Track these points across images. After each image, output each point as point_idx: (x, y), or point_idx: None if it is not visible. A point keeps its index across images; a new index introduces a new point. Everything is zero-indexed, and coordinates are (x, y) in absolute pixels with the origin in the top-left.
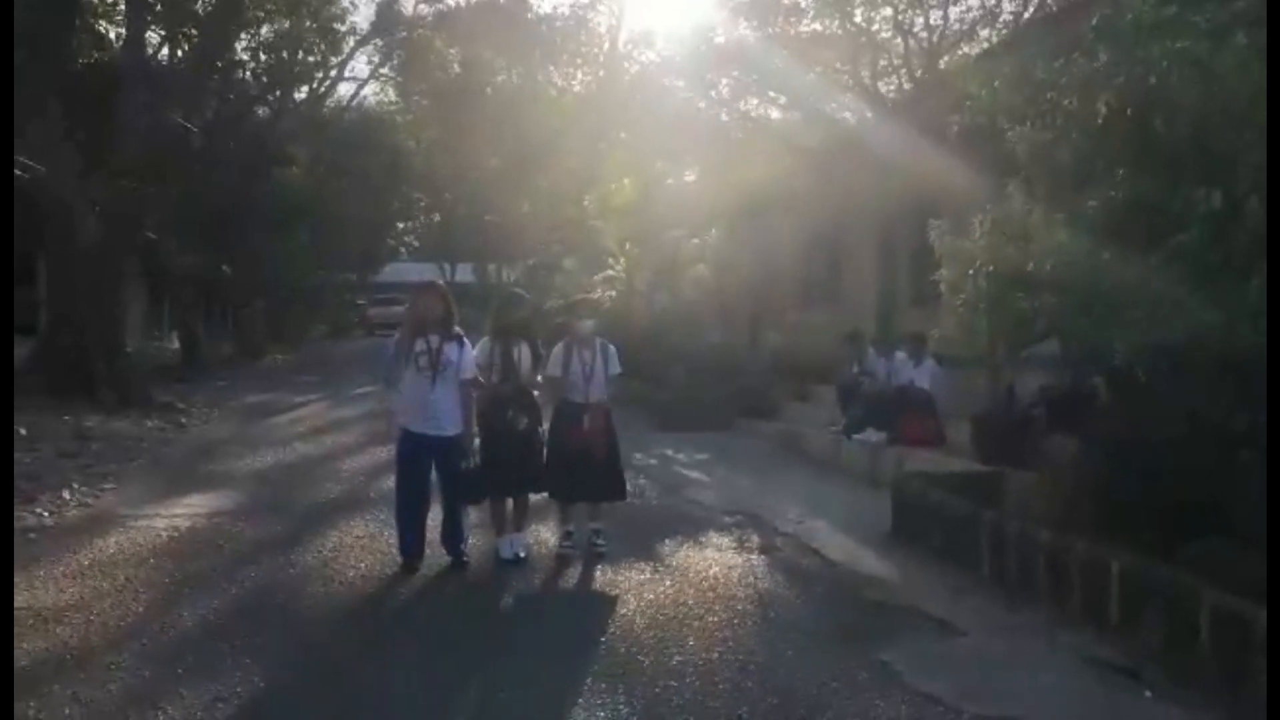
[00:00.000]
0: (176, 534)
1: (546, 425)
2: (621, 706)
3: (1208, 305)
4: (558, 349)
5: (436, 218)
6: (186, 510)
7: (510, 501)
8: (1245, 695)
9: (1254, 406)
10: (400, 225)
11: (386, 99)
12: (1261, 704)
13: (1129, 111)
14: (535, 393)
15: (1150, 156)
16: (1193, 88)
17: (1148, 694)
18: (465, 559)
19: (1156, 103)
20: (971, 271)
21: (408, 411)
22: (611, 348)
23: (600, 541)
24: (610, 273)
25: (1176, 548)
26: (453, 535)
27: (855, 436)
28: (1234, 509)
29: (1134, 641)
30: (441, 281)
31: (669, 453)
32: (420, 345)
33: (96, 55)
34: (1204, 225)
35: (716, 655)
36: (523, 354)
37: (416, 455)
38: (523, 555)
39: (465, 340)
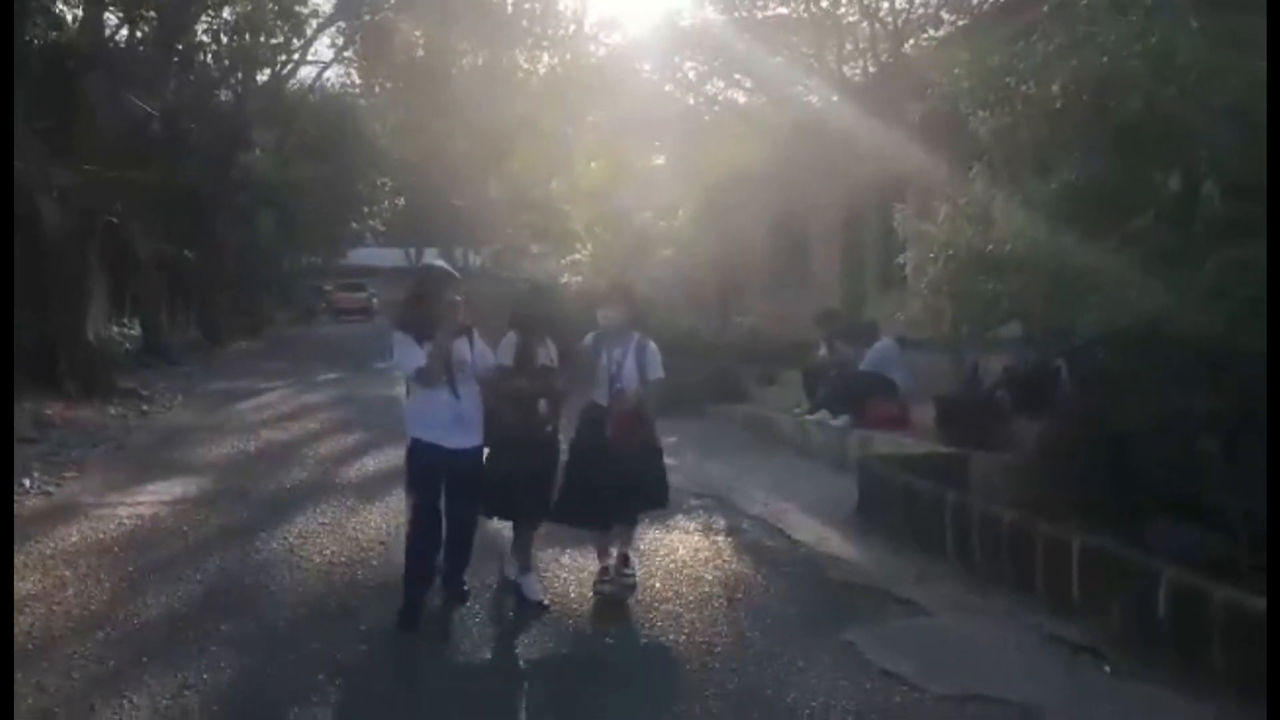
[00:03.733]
0: (140, 522)
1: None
2: (588, 687)
3: (1164, 288)
4: (585, 343)
5: (402, 202)
6: (150, 498)
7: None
8: (1204, 672)
9: (1214, 389)
10: (366, 209)
11: (350, 82)
12: (1220, 680)
13: (1084, 95)
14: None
15: (1106, 139)
16: (1145, 66)
17: (1107, 669)
18: (466, 588)
19: (1110, 84)
20: (934, 254)
21: (425, 422)
22: (652, 345)
23: (628, 570)
24: (578, 256)
25: (1141, 528)
26: (458, 565)
27: (809, 417)
28: (1197, 489)
29: (1096, 620)
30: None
31: None
32: (428, 347)
33: (54, 36)
34: (1161, 208)
35: (684, 637)
36: (549, 353)
37: (437, 474)
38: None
39: (474, 333)
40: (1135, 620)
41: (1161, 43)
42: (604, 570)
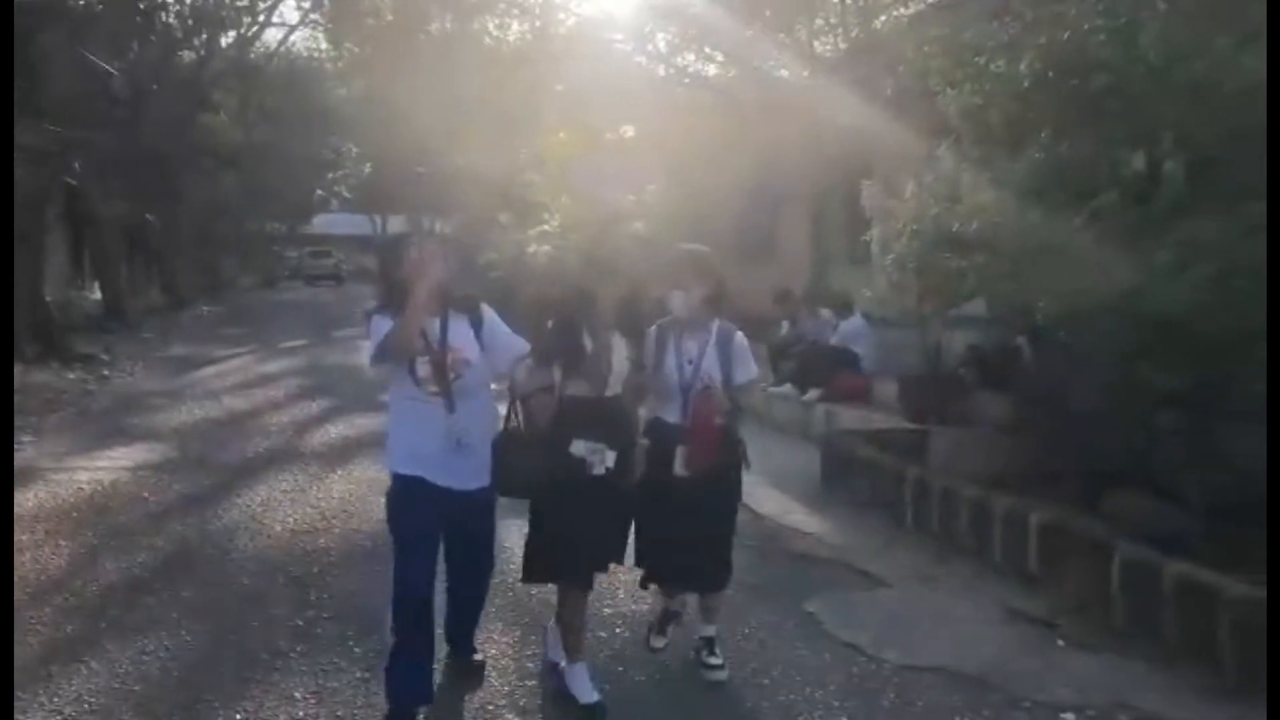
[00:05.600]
0: (99, 487)
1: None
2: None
3: (1126, 266)
4: (650, 335)
5: (368, 168)
6: (109, 463)
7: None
8: (1156, 644)
9: (1171, 365)
10: (331, 175)
11: (316, 46)
12: (1172, 651)
13: (1051, 74)
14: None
15: (1073, 118)
16: (1112, 46)
17: (1060, 643)
18: (478, 656)
19: (1077, 63)
20: (900, 231)
21: (408, 448)
22: (739, 335)
23: (714, 660)
24: (545, 228)
25: (1098, 503)
26: (465, 629)
27: (772, 390)
28: (1152, 464)
29: (1053, 592)
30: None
31: None
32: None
33: None
34: (1125, 187)
35: (646, 606)
36: (604, 347)
37: (429, 524)
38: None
39: (485, 310)
40: (1091, 592)
41: (1129, 23)
42: (661, 628)
